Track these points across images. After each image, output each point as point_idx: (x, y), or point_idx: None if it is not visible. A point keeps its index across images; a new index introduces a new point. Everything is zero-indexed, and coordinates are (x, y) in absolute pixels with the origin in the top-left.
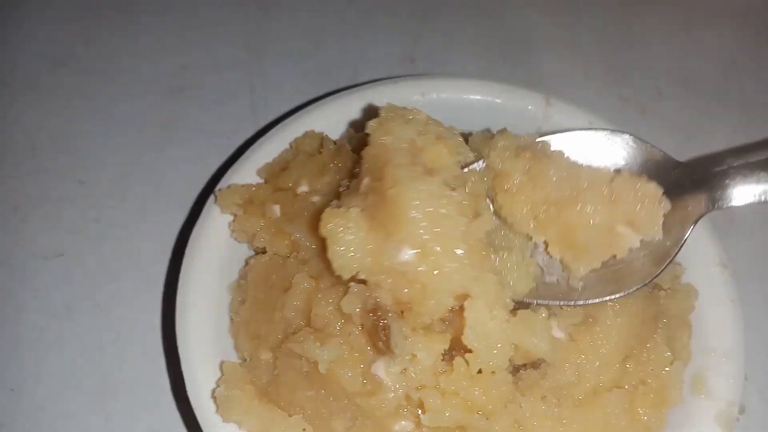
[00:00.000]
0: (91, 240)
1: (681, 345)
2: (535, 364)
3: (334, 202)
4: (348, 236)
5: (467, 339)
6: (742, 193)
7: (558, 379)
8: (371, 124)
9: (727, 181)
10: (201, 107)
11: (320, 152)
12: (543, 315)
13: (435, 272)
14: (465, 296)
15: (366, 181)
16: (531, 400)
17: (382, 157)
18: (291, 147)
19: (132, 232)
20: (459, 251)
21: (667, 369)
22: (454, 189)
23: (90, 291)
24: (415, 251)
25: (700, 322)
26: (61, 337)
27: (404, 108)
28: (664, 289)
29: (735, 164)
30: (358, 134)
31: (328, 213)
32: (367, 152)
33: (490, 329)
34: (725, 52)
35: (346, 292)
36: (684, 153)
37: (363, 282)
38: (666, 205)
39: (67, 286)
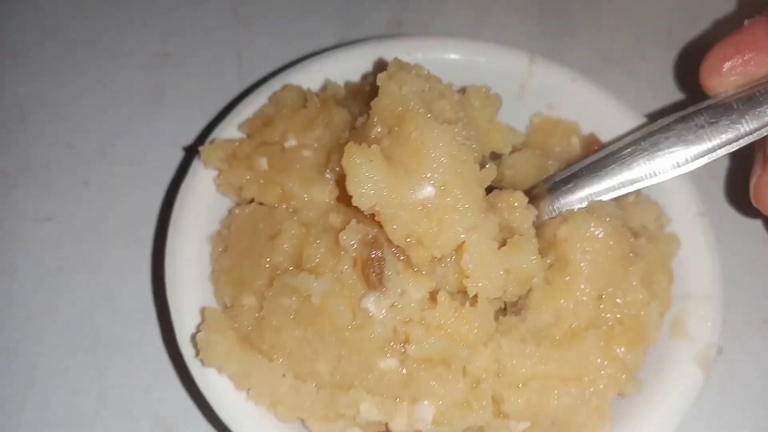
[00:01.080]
0: (81, 203)
1: (661, 289)
2: (516, 310)
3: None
4: (369, 170)
5: (465, 264)
6: (567, 203)
7: (536, 322)
8: (382, 77)
9: (555, 194)
10: (187, 73)
11: (304, 107)
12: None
13: (455, 208)
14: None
15: (378, 128)
16: (510, 341)
17: (398, 105)
18: (271, 102)
19: (121, 194)
20: (475, 192)
21: (644, 309)
22: (467, 139)
23: (81, 252)
24: (436, 189)
25: (680, 269)
26: (54, 296)
27: (408, 63)
28: (645, 236)
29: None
30: (349, 85)
31: (350, 147)
32: (379, 103)
33: (486, 255)
34: (712, 11)
35: (337, 238)
36: (667, 112)
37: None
38: (533, 210)
39: (58, 247)
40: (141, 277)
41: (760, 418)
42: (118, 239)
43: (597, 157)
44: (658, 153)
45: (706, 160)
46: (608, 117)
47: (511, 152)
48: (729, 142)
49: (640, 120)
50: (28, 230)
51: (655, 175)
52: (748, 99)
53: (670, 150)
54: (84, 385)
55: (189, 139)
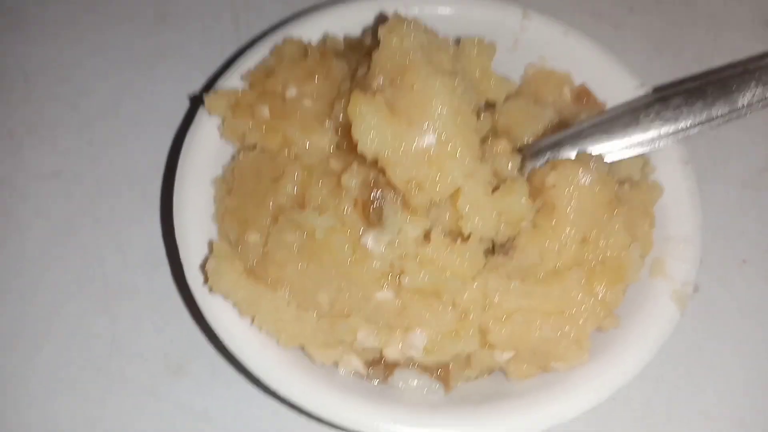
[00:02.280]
0: (87, 160)
1: (643, 233)
2: (504, 250)
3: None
4: (374, 119)
5: (461, 206)
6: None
7: (522, 261)
8: (383, 29)
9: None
10: (185, 33)
11: (305, 59)
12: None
13: (454, 156)
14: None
15: (380, 80)
16: (497, 277)
17: (400, 57)
18: (271, 54)
19: (125, 150)
20: (473, 141)
21: (624, 251)
22: (465, 91)
23: (89, 207)
24: (438, 137)
25: (661, 213)
26: (64, 249)
27: (407, 17)
28: (628, 182)
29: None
30: (348, 38)
31: (356, 96)
32: (380, 54)
33: (481, 198)
34: None
35: (338, 181)
36: (653, 64)
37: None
38: (518, 156)
39: (66, 203)
40: (149, 228)
41: (734, 352)
42: (125, 192)
43: (579, 127)
44: (638, 128)
45: (681, 137)
46: (598, 69)
47: (505, 101)
48: (701, 123)
49: (627, 71)
50: (36, 187)
51: (633, 147)
52: (722, 86)
53: (649, 126)
54: (96, 329)
55: (188, 93)
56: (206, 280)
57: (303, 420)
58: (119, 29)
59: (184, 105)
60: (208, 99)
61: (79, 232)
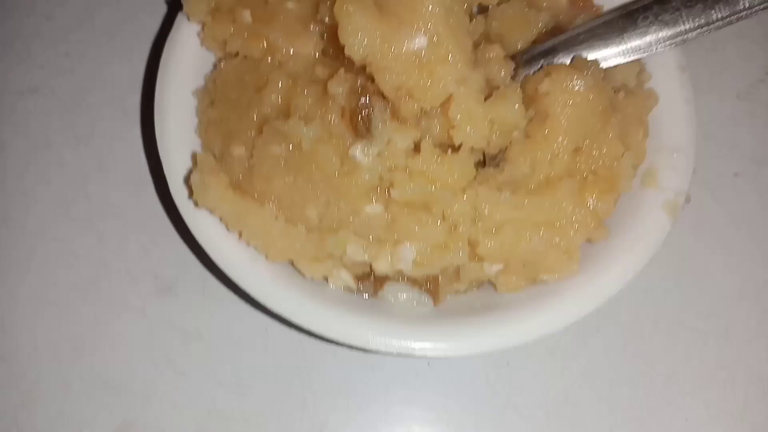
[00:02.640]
0: (64, 74)
1: (636, 142)
2: (495, 162)
3: None
4: (362, 19)
5: (453, 114)
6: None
7: (513, 173)
8: None
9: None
10: None
11: None
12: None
13: (446, 60)
14: None
15: None
16: (487, 189)
17: None
18: None
19: (103, 63)
20: (466, 45)
21: (617, 161)
22: None
23: (68, 123)
24: (429, 40)
25: (655, 122)
26: (46, 168)
27: None
28: (624, 91)
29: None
30: None
31: None
32: None
33: (473, 106)
34: None
35: (325, 89)
36: None
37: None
38: (511, 63)
39: (45, 119)
40: (131, 144)
41: (724, 264)
42: (104, 107)
43: (574, 33)
44: (635, 32)
45: (679, 41)
46: None
47: (498, 4)
48: (701, 26)
49: None
50: (13, 104)
51: (631, 53)
52: None
53: (647, 30)
54: (82, 250)
55: (166, 7)
56: (191, 194)
57: (294, 334)
58: None
59: (164, 9)
60: (187, 3)
61: (59, 150)
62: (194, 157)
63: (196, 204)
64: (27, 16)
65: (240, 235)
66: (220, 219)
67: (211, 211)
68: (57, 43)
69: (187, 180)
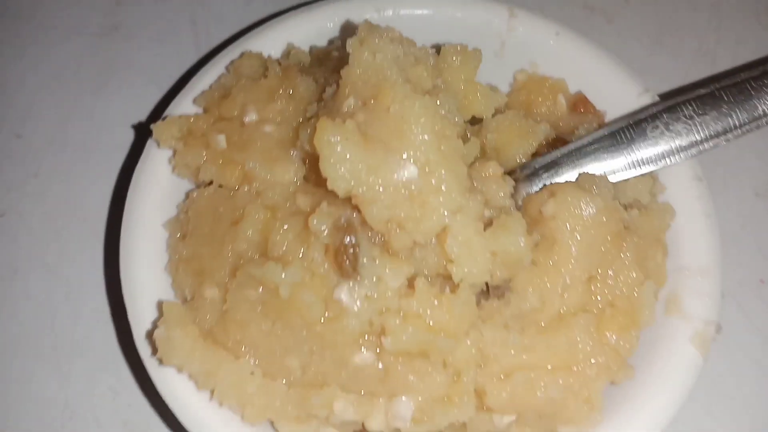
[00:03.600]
0: (33, 196)
1: (655, 265)
2: (500, 293)
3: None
4: (345, 149)
5: (450, 248)
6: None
7: (521, 306)
8: (352, 42)
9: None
10: (139, 45)
11: (265, 76)
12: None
13: (439, 189)
14: None
15: (351, 101)
16: (493, 328)
17: (373, 75)
18: (229, 71)
19: (73, 183)
20: (460, 171)
21: (637, 290)
22: (450, 112)
23: (36, 250)
24: (419, 168)
25: (674, 239)
26: (11, 299)
27: (379, 26)
28: (637, 208)
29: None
30: (315, 50)
31: (323, 123)
32: (350, 71)
33: (472, 238)
34: None
35: (306, 222)
36: (653, 60)
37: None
38: (510, 182)
39: (12, 246)
40: (100, 273)
41: (760, 385)
42: (73, 233)
43: (577, 144)
44: (645, 143)
45: (694, 152)
46: (596, 73)
47: (493, 116)
48: (718, 135)
49: (628, 75)
50: None
51: (640, 166)
52: (739, 91)
53: (657, 141)
54: (47, 392)
55: (142, 116)
56: (155, 351)
57: None
58: (66, 43)
59: (133, 126)
60: (157, 128)
61: (25, 279)
62: (160, 307)
63: (161, 362)
64: None
65: (212, 393)
66: (189, 377)
67: (179, 370)
68: (26, 162)
69: (152, 334)
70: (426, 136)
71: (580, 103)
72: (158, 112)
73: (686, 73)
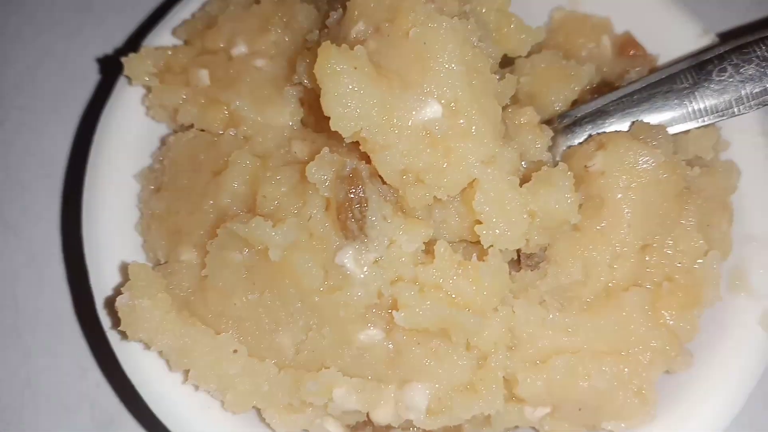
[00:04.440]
0: None
1: (720, 233)
2: (533, 263)
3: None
4: (352, 81)
5: (479, 206)
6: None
7: (560, 279)
8: None
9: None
10: None
11: (257, 2)
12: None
13: (468, 133)
14: None
15: (360, 26)
16: (526, 304)
17: None
18: None
19: (42, 134)
20: (493, 112)
21: (699, 261)
22: (481, 41)
23: None
24: (444, 107)
25: (739, 204)
26: None
27: None
28: (698, 165)
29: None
30: None
31: (327, 49)
32: None
33: (506, 193)
34: None
35: (303, 173)
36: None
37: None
38: (548, 132)
39: None
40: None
41: None
42: (39, 189)
43: (628, 90)
44: (710, 88)
45: (766, 101)
46: (647, 11)
47: (528, 55)
48: None
49: (684, 13)
50: None
51: (703, 116)
52: None
53: (725, 86)
54: (10, 368)
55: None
56: (118, 323)
57: None
58: None
59: (97, 59)
60: (128, 62)
61: None
62: (125, 269)
63: (125, 336)
64: None
65: (187, 375)
66: (160, 354)
67: (147, 345)
68: None
69: (112, 303)
70: (454, 67)
71: (628, 45)
72: (132, 47)
73: (742, 20)
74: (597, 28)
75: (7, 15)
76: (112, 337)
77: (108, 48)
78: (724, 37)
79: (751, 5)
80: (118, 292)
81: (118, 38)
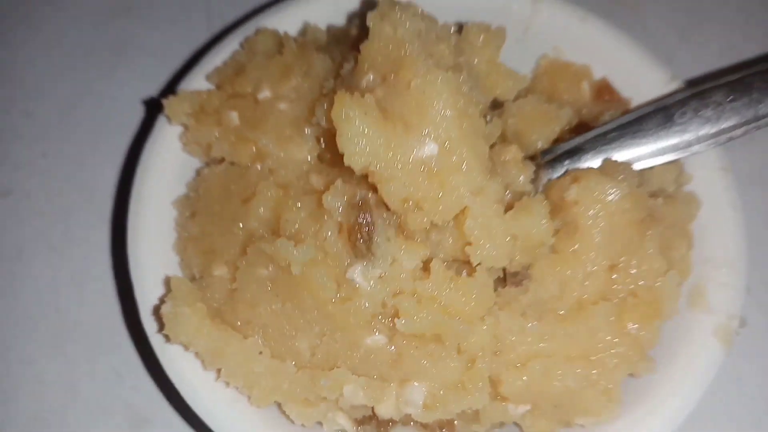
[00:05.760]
0: (40, 176)
1: (679, 256)
2: (517, 280)
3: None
4: (363, 124)
5: (469, 230)
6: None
7: (540, 294)
8: (372, 16)
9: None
10: (151, 26)
11: (280, 53)
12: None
13: (459, 168)
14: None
15: (370, 76)
16: (510, 315)
17: (394, 50)
18: (243, 48)
19: (82, 164)
20: (481, 150)
21: (661, 279)
22: (472, 89)
23: (41, 230)
24: (440, 146)
25: (699, 231)
26: (14, 281)
27: (401, 1)
28: (662, 197)
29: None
30: (332, 29)
31: (342, 97)
32: (369, 46)
33: (492, 219)
34: None
35: (320, 201)
36: (680, 51)
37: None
38: (531, 167)
39: (17, 226)
40: (106, 255)
41: None
42: (80, 214)
43: (601, 130)
44: (673, 129)
45: (723, 140)
46: (622, 60)
47: (515, 99)
48: (748, 122)
49: (655, 62)
50: None
51: (666, 153)
52: None
53: (685, 127)
54: (49, 374)
55: (154, 95)
56: (162, 327)
57: None
58: (78, 24)
59: (143, 101)
60: (168, 104)
61: (29, 260)
62: (168, 283)
63: (167, 339)
64: (5, 113)
65: (219, 373)
66: (196, 355)
67: (186, 347)
68: (34, 141)
69: (158, 310)
70: (448, 113)
71: (604, 90)
72: (169, 90)
73: (712, 67)
74: (578, 74)
75: (49, 49)
76: (156, 340)
77: (141, 88)
78: (691, 82)
79: (724, 51)
80: (159, 302)
81: (149, 79)
